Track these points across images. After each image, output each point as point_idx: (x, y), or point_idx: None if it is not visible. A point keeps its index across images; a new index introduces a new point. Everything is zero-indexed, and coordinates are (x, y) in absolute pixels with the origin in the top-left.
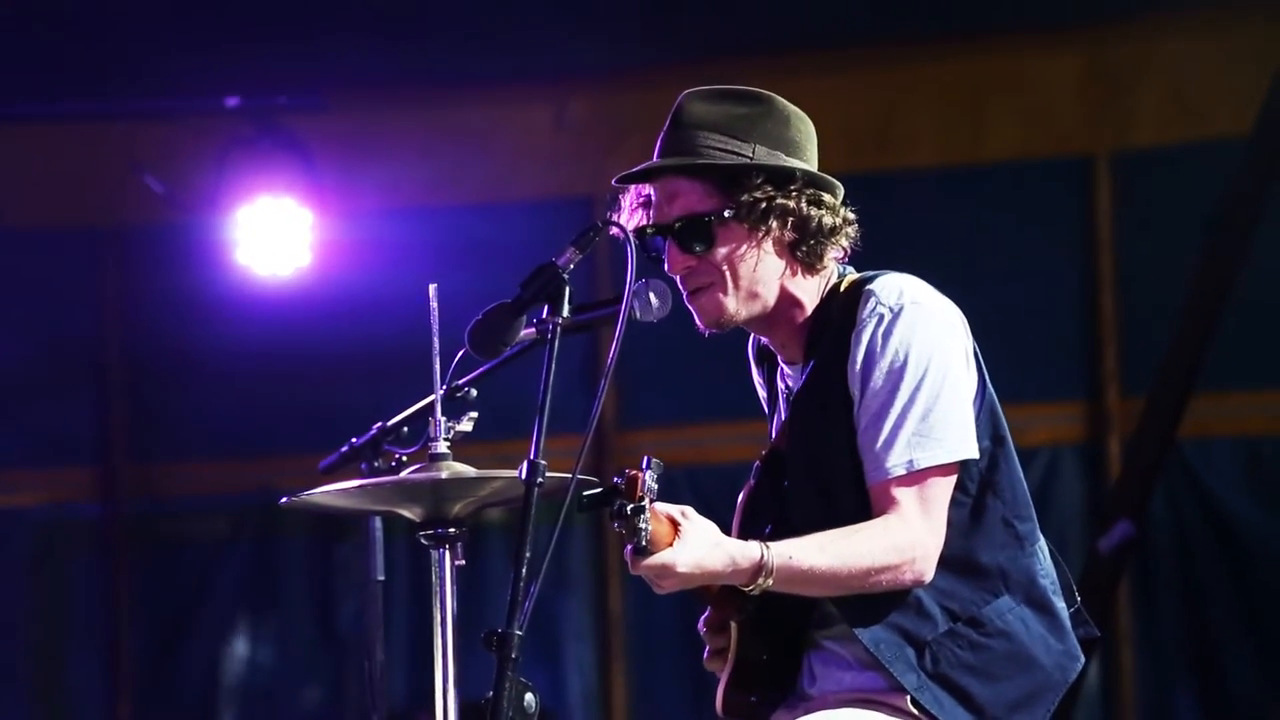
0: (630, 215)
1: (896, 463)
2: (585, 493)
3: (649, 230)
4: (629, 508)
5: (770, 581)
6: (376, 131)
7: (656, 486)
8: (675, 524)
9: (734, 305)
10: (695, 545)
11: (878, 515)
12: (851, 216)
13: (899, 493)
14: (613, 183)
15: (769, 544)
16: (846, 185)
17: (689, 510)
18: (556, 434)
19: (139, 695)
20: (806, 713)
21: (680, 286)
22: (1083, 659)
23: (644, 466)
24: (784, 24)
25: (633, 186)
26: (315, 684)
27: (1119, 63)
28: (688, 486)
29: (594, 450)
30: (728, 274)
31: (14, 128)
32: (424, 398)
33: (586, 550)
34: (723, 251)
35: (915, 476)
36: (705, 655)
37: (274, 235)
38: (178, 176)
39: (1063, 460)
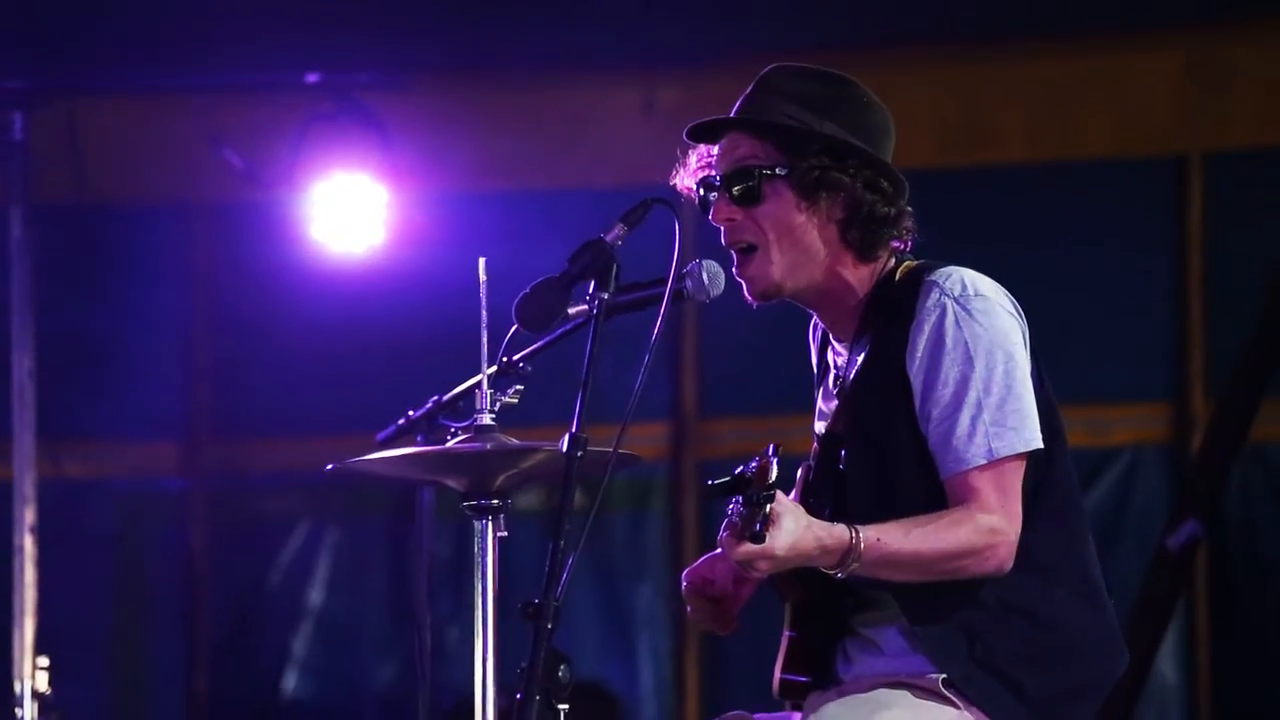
0: (695, 173)
1: (977, 452)
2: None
3: (704, 183)
4: (760, 495)
5: (859, 564)
6: (457, 112)
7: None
8: None
9: (779, 274)
10: (788, 528)
11: (956, 505)
12: (909, 210)
13: (979, 482)
14: (684, 135)
15: (857, 527)
16: (937, 180)
17: (776, 493)
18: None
19: (216, 667)
20: (840, 695)
21: (723, 240)
22: (1128, 654)
23: (771, 454)
24: (879, 18)
25: (702, 146)
26: (390, 660)
27: (1214, 62)
28: None
29: (674, 438)
30: (771, 236)
31: (98, 102)
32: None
33: (660, 537)
34: (768, 211)
35: (994, 465)
36: (689, 610)
37: (349, 212)
38: (257, 151)
39: (1145, 460)
